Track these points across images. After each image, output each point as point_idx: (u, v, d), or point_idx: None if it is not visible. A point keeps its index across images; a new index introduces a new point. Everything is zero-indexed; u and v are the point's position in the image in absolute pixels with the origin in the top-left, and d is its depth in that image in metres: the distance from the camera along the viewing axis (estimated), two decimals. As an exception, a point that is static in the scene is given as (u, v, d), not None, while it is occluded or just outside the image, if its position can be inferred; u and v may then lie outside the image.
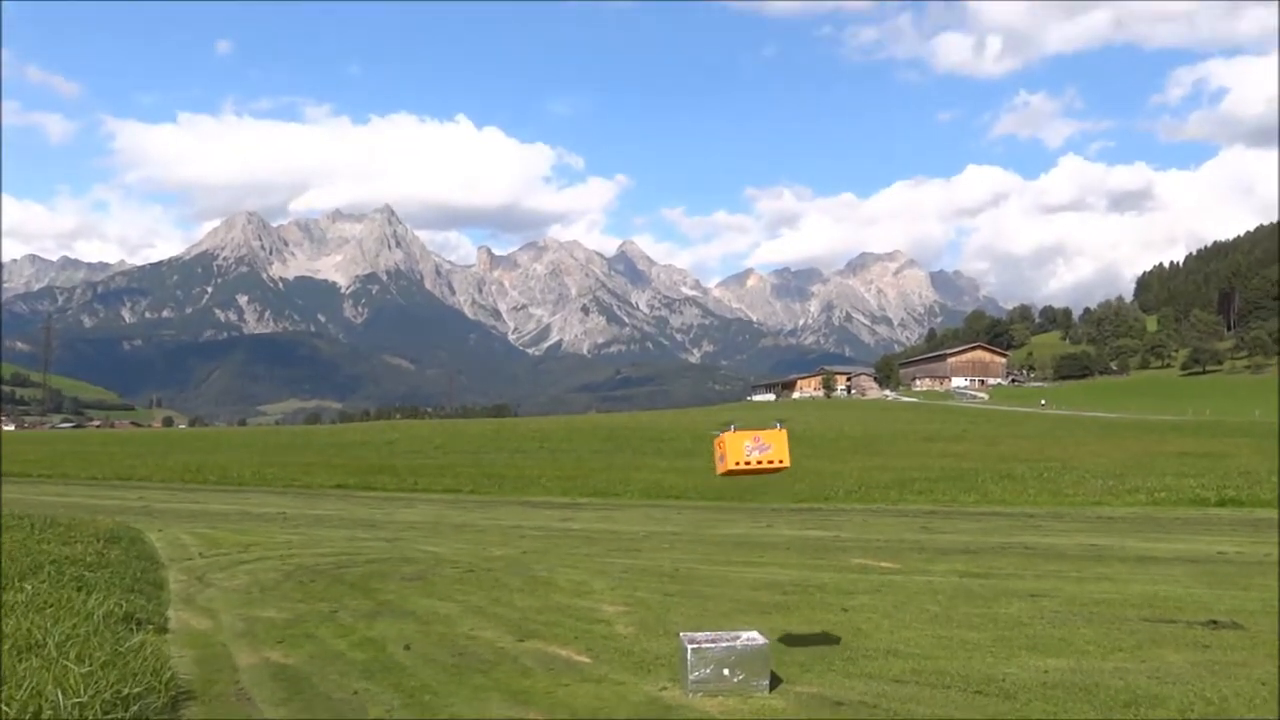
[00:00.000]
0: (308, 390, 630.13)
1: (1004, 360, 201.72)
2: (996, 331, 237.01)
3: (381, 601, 9.59)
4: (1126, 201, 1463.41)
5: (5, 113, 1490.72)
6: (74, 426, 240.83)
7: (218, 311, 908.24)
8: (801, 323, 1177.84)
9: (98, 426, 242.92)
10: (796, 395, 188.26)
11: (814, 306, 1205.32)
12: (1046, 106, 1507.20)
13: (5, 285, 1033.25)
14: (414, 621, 8.68)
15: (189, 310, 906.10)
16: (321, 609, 9.20)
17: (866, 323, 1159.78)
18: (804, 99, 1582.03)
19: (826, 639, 7.88)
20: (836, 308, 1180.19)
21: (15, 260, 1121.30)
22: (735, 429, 7.24)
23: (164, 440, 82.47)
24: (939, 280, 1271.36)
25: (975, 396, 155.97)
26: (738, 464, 7.04)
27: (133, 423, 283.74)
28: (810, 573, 11.45)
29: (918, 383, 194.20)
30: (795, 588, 10.31)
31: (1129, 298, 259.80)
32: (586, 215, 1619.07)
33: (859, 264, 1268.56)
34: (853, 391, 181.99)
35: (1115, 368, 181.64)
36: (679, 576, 11.22)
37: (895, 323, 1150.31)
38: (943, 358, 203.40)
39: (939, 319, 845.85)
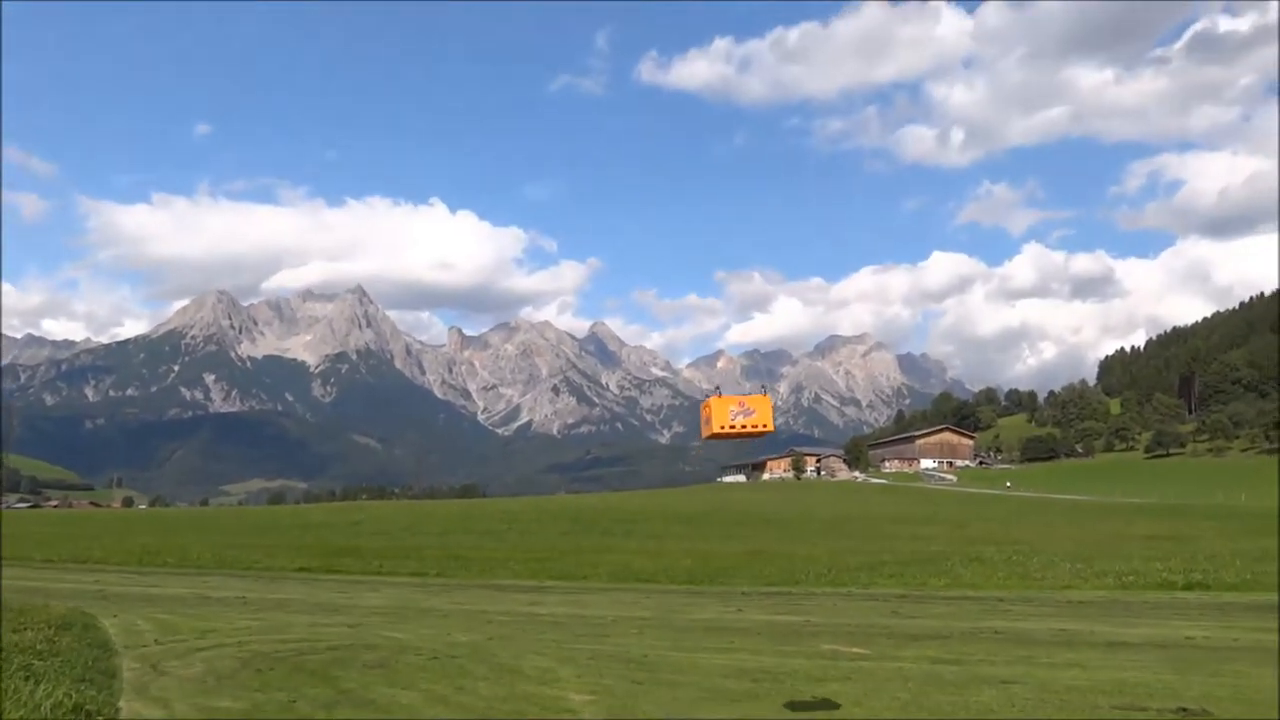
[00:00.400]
0: (273, 470, 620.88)
1: (971, 442, 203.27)
2: (963, 414, 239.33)
3: (342, 690, 9.33)
4: (1088, 288, 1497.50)
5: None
6: (30, 506, 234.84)
7: (183, 390, 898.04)
8: (771, 404, 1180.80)
9: (55, 506, 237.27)
10: (767, 476, 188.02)
11: (783, 388, 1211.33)
12: (1009, 196, 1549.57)
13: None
14: (374, 711, 8.44)
15: (154, 389, 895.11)
16: (279, 698, 8.93)
17: (835, 404, 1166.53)
18: (774, 186, 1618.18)
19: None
20: (806, 389, 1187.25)
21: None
22: (721, 394, 7.34)
23: (123, 521, 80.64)
24: (906, 363, 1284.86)
25: (944, 478, 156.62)
26: (722, 427, 7.13)
27: (91, 503, 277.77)
28: (781, 659, 11.30)
29: (887, 464, 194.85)
30: (765, 675, 10.16)
31: (1092, 381, 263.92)
32: (559, 297, 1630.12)
33: (828, 346, 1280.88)
34: (822, 473, 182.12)
35: (1081, 450, 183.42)
36: (647, 663, 11.02)
37: (864, 404, 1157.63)
38: (911, 439, 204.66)
39: (907, 401, 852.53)
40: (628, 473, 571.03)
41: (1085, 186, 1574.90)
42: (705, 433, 7.25)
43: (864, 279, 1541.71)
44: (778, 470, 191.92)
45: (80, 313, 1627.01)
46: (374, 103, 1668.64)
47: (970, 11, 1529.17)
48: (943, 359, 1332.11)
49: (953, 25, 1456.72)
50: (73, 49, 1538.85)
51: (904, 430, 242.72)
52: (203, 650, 11.77)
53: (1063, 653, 11.72)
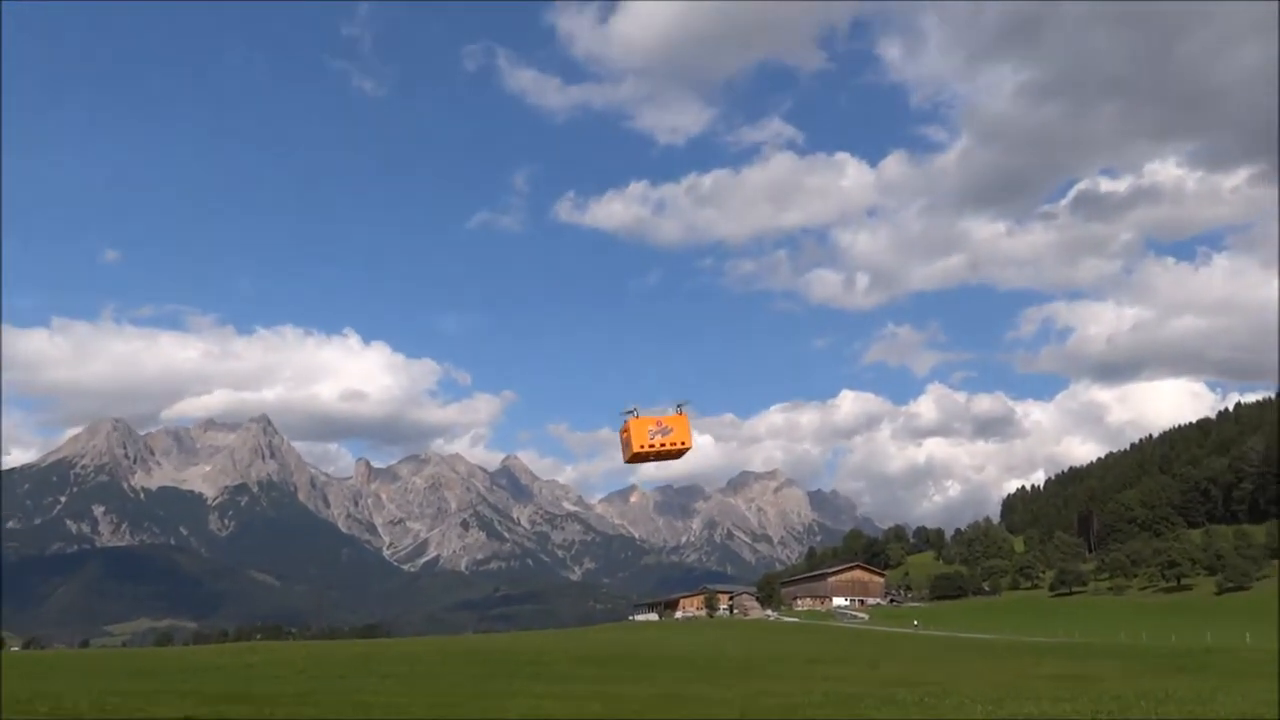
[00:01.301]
0: (162, 608, 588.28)
1: (882, 580, 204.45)
2: (874, 551, 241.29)
3: None
4: (990, 427, 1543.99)
5: None
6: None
7: (69, 523, 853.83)
8: (684, 539, 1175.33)
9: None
10: (679, 615, 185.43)
11: (696, 524, 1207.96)
12: (912, 338, 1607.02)
13: None
14: None
15: (38, 521, 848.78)
16: None
17: (748, 540, 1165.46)
18: (687, 322, 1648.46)
19: None
20: (719, 525, 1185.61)
21: None
22: (638, 414, 7.36)
23: (-8, 665, 74.93)
24: (817, 499, 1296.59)
25: (856, 616, 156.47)
26: (642, 447, 7.11)
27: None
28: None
29: (799, 602, 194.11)
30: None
31: (996, 518, 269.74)
32: (472, 429, 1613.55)
33: (740, 482, 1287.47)
34: (735, 611, 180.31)
35: (987, 588, 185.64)
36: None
37: (775, 540, 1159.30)
38: (823, 577, 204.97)
39: (818, 537, 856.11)
40: (538, 611, 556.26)
41: (984, 330, 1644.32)
42: (626, 455, 7.35)
43: (775, 415, 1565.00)
44: (690, 608, 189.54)
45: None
46: (289, 231, 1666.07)
47: (873, 165, 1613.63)
48: (852, 495, 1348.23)
49: (856, 177, 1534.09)
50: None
51: (816, 567, 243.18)
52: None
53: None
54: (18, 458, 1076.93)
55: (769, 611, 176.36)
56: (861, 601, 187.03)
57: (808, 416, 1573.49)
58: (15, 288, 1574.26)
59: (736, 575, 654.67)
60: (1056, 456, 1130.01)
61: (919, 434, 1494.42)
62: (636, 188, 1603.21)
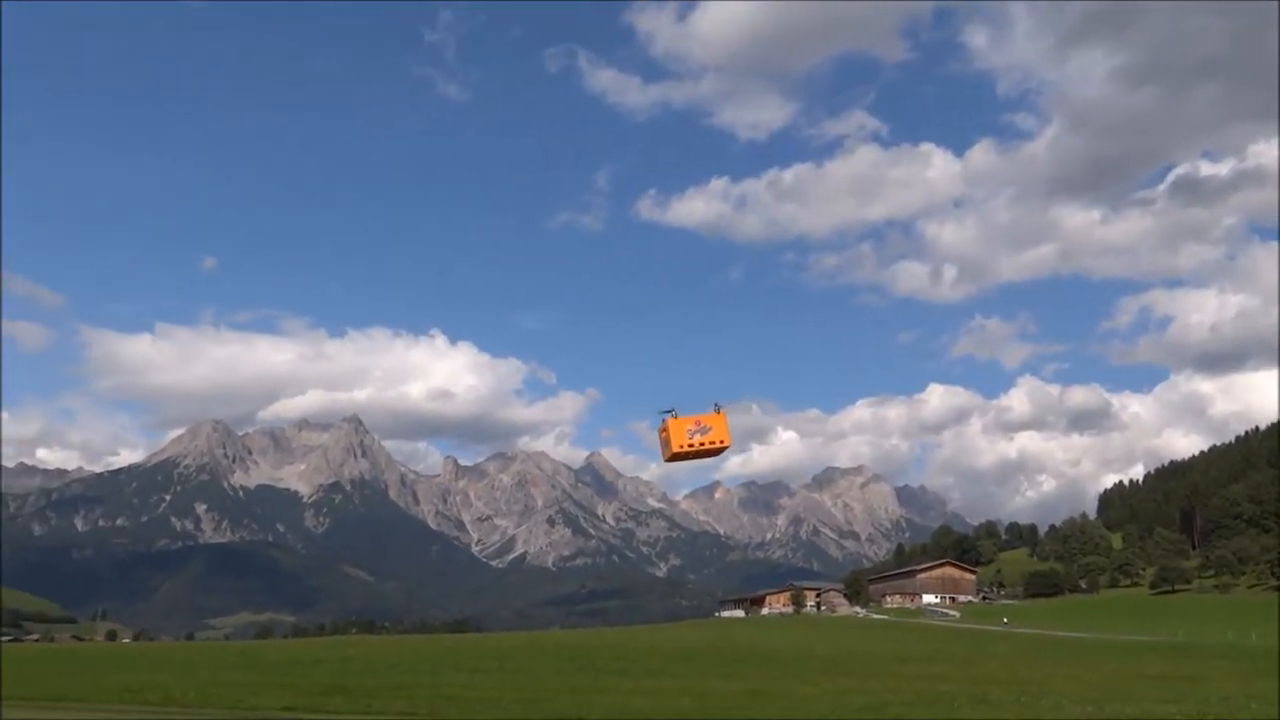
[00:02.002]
0: (261, 603, 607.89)
1: (974, 577, 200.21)
2: (964, 547, 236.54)
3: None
4: (1085, 421, 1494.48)
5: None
6: (11, 640, 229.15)
7: (174, 520, 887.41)
8: (769, 536, 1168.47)
9: (36, 641, 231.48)
10: (765, 611, 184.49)
11: (781, 520, 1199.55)
12: (1002, 330, 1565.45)
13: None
14: None
15: (144, 519, 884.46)
16: None
17: (834, 536, 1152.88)
18: (771, 319, 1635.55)
19: None
20: (804, 521, 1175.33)
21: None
22: (676, 414, 7.49)
23: (105, 656, 78.46)
24: (905, 495, 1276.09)
25: (946, 614, 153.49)
26: (681, 447, 7.22)
27: (74, 636, 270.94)
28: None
29: (888, 599, 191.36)
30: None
31: (1092, 514, 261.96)
32: (557, 427, 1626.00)
33: (825, 478, 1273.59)
34: (822, 608, 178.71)
35: (1084, 585, 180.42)
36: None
37: (863, 537, 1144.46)
38: (912, 574, 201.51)
39: (906, 534, 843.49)
40: (624, 606, 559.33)
41: (1077, 321, 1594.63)
42: (665, 455, 7.46)
43: (861, 410, 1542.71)
44: (777, 605, 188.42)
45: (75, 441, 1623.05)
46: (376, 236, 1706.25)
47: (959, 155, 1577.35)
48: (941, 491, 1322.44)
49: (942, 168, 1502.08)
50: (84, 184, 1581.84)
51: (904, 564, 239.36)
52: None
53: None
54: (126, 458, 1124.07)
55: (857, 608, 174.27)
56: (952, 599, 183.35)
57: (895, 411, 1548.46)
58: (118, 295, 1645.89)
59: (823, 572, 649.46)
60: (1156, 450, 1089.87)
61: (1010, 428, 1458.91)
62: (717, 184, 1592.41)
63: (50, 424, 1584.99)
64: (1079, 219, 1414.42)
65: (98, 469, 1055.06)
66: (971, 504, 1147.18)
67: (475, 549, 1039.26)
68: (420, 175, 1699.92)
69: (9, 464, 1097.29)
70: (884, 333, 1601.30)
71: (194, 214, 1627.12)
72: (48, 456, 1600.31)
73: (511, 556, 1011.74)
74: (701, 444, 7.28)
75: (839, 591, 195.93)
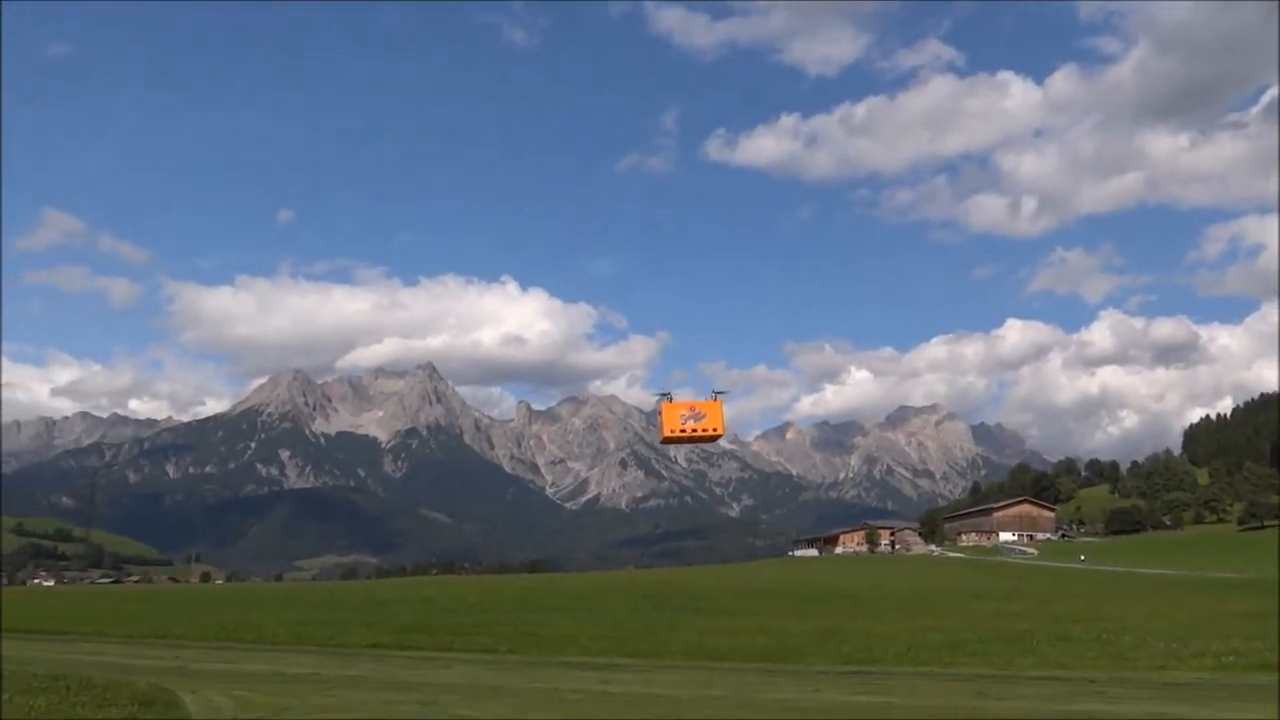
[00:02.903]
0: (345, 545, 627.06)
1: (1052, 515, 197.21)
2: (1042, 485, 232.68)
3: (417, 771, 9.22)
4: (1170, 354, 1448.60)
5: (73, 278, 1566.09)
6: (113, 582, 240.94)
7: (260, 467, 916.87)
8: (842, 476, 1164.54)
9: (136, 582, 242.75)
10: (839, 550, 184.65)
11: (854, 460, 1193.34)
12: (1083, 263, 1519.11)
13: (56, 442, 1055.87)
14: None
15: (232, 466, 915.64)
16: (355, 779, 8.86)
17: (908, 476, 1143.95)
18: (842, 257, 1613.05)
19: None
20: (878, 460, 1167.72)
21: (67, 417, 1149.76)
22: (673, 399, 7.52)
23: (200, 597, 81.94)
24: (980, 433, 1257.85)
25: (1024, 552, 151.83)
26: (673, 431, 7.29)
27: (170, 578, 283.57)
28: (863, 742, 10.90)
29: (963, 537, 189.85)
30: (848, 759, 9.80)
31: (1177, 450, 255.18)
32: (628, 371, 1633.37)
33: (899, 417, 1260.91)
34: (897, 547, 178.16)
35: (1169, 522, 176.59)
36: (725, 746, 10.71)
37: (938, 476, 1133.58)
38: (989, 512, 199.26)
39: (982, 472, 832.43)
40: (698, 547, 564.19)
41: (1163, 251, 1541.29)
42: (660, 437, 7.53)
43: (936, 348, 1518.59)
44: (851, 544, 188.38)
45: (164, 392, 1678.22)
46: (448, 185, 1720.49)
47: (1039, 83, 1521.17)
48: (1018, 429, 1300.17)
49: (1021, 97, 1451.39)
50: (164, 141, 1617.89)
51: (980, 502, 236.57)
52: (279, 728, 11.79)
53: (1163, 738, 11.11)
54: (212, 408, 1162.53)
55: (932, 547, 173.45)
56: (1030, 537, 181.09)
57: (971, 348, 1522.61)
58: (199, 250, 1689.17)
59: (897, 511, 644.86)
60: (1246, 383, 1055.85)
61: (1092, 363, 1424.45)
62: (787, 121, 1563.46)
63: (140, 376, 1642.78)
64: (1166, 145, 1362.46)
65: (186, 418, 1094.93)
66: (1050, 441, 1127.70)
67: (549, 492, 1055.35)
68: (488, 121, 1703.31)
69: (103, 414, 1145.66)
70: (959, 269, 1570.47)
71: (270, 168, 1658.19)
72: (139, 407, 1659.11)
73: (585, 499, 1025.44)
74: (694, 430, 7.29)
75: (913, 530, 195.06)
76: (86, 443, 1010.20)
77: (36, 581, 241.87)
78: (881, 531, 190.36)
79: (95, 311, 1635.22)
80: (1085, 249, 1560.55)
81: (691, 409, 7.16)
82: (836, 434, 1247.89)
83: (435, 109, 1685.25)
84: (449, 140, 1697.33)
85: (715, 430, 7.23)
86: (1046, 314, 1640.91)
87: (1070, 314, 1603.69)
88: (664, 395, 7.32)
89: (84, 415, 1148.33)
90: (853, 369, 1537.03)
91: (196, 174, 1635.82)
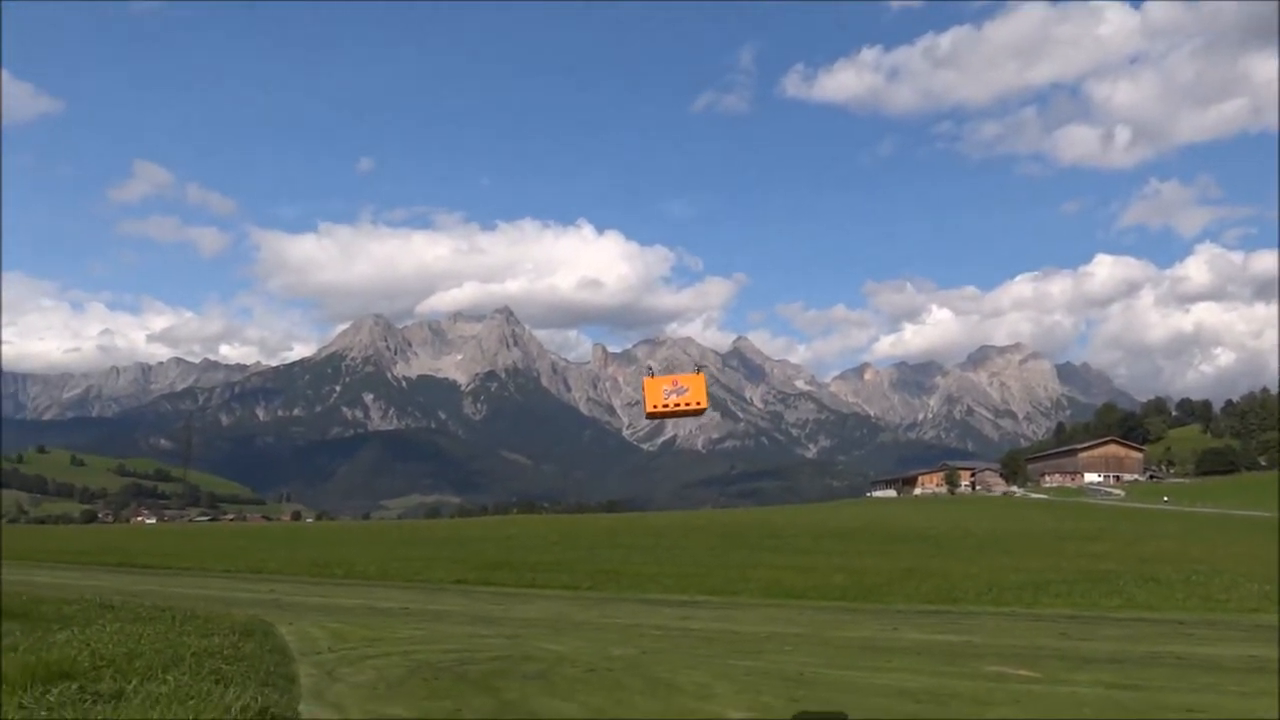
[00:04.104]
0: (429, 485, 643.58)
1: (1140, 455, 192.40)
2: (1130, 425, 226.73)
3: (504, 701, 9.51)
4: (1270, 289, 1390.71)
5: (165, 228, 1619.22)
6: (210, 520, 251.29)
7: (345, 409, 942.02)
8: (921, 417, 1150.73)
9: (231, 520, 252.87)
10: (918, 492, 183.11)
11: (934, 401, 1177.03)
12: (1179, 195, 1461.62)
13: (152, 386, 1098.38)
14: (537, 722, 8.57)
15: (318, 409, 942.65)
16: (445, 707, 9.19)
17: (989, 416, 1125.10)
18: (923, 193, 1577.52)
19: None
20: (958, 401, 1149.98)
21: (162, 363, 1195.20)
22: (655, 374, 7.44)
23: (292, 534, 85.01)
24: (1066, 372, 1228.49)
25: (1110, 493, 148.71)
26: (655, 408, 7.24)
27: (264, 516, 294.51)
28: (943, 680, 10.90)
29: (1047, 479, 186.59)
30: (928, 696, 9.82)
31: (1275, 389, 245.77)
32: (704, 313, 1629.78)
33: (980, 357, 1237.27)
34: (977, 488, 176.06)
35: (1264, 463, 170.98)
36: (805, 681, 10.81)
37: (1020, 416, 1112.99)
38: (1073, 453, 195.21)
39: (1067, 412, 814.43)
40: (775, 488, 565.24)
41: (1266, 182, 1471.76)
42: (645, 411, 7.45)
43: (1021, 286, 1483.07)
44: (930, 485, 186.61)
45: (253, 338, 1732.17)
46: (524, 128, 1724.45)
47: (1136, 6, 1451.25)
48: (1105, 368, 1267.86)
49: (1117, 22, 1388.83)
50: (247, 93, 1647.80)
51: (1065, 443, 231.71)
52: (372, 658, 12.24)
53: (1254, 680, 10.89)
54: (299, 352, 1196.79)
55: (1014, 488, 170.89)
56: (1116, 478, 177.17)
57: (1058, 285, 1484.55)
58: (281, 199, 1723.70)
59: (978, 452, 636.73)
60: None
61: (1186, 299, 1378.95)
62: (868, 54, 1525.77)
63: (230, 322, 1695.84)
64: (1271, 69, 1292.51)
65: (274, 363, 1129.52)
66: (1139, 380, 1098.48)
67: (626, 433, 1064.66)
68: (561, 64, 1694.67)
69: (196, 360, 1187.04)
70: (1046, 203, 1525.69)
71: (350, 116, 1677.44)
72: (229, 352, 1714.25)
73: (661, 440, 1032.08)
74: (677, 404, 7.16)
75: (995, 471, 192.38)
76: (181, 387, 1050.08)
77: (139, 519, 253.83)
78: (962, 472, 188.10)
79: (186, 260, 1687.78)
80: (1181, 180, 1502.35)
81: (674, 383, 7.09)
82: (916, 374, 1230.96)
83: (508, 53, 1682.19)
84: (524, 85, 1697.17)
85: (699, 404, 7.15)
86: (1139, 249, 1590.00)
87: (1164, 248, 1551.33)
88: (648, 369, 7.35)
89: (178, 361, 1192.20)
90: (934, 308, 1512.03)
91: (279, 124, 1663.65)
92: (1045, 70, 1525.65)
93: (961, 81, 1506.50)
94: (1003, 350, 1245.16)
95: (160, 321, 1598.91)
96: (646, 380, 7.50)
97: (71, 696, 8.29)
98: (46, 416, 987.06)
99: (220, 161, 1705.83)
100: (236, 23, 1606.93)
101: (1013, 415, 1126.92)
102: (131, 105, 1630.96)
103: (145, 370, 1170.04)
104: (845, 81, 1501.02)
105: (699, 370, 7.60)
